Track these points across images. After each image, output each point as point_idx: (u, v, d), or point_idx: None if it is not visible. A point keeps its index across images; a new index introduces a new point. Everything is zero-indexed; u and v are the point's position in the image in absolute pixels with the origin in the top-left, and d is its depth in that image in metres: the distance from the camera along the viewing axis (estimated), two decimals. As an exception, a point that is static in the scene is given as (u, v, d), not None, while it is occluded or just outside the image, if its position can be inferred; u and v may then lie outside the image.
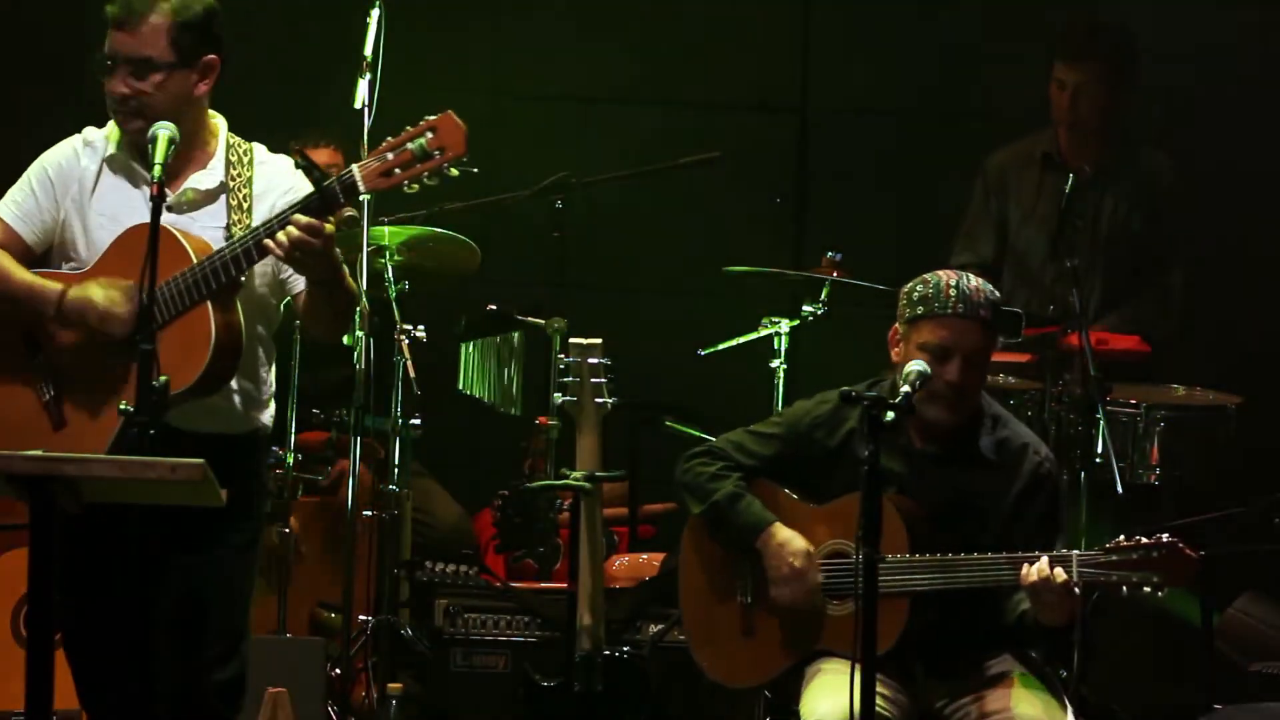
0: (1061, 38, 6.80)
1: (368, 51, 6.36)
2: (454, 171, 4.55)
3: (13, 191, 4.82)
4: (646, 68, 7.95)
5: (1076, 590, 4.73)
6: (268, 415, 4.87)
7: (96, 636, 4.69)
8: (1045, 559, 4.74)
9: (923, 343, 4.91)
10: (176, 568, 4.67)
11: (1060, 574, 4.71)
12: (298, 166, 4.71)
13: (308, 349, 6.51)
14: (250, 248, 4.56)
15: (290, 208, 4.55)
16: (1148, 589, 4.68)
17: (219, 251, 4.60)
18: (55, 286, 4.68)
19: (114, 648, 4.66)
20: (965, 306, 4.91)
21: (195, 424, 4.64)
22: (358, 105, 6.35)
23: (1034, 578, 4.73)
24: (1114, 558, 4.70)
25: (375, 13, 6.40)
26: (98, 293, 4.63)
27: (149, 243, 4.40)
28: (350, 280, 4.74)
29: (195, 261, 4.58)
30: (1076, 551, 4.75)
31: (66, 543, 4.33)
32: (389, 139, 4.57)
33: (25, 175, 4.83)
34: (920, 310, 4.94)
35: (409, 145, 4.53)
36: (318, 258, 4.55)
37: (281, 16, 7.60)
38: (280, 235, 4.50)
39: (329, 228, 4.55)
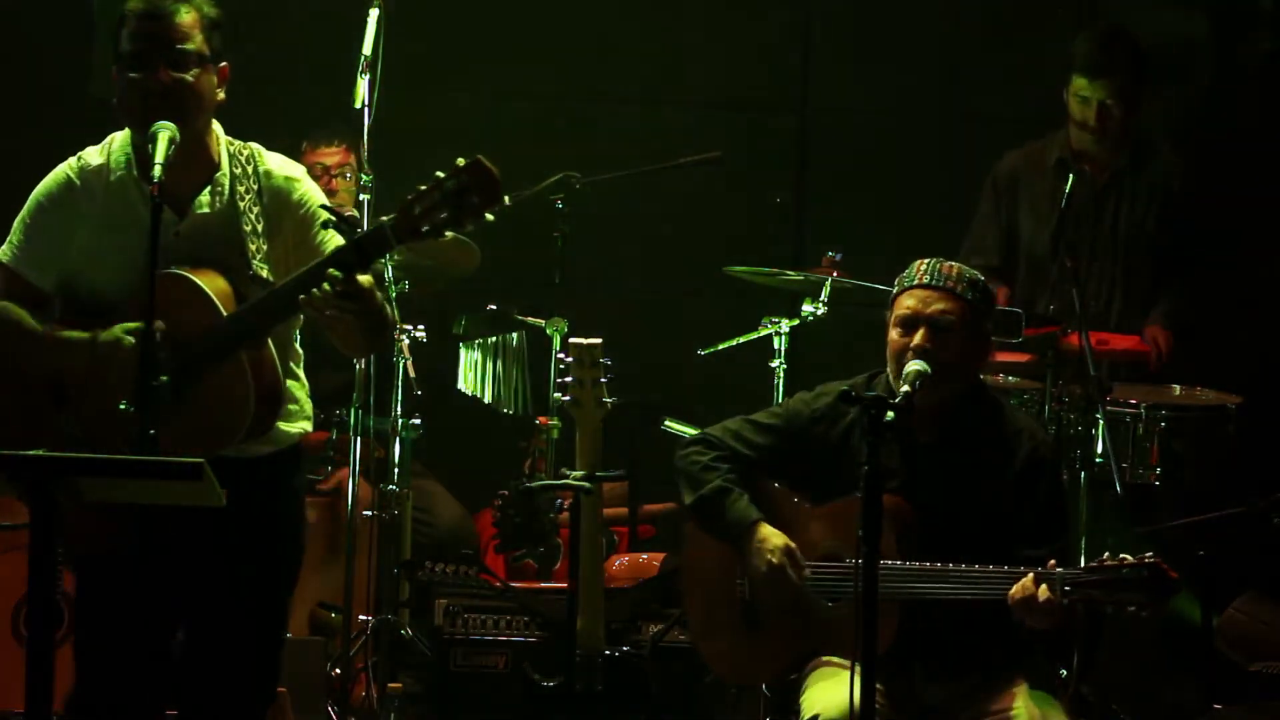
0: (1079, 53, 6.72)
1: (367, 51, 6.36)
2: (490, 217, 4.35)
3: (21, 239, 4.66)
4: (646, 68, 7.96)
5: (1064, 603, 4.70)
6: (305, 422, 4.78)
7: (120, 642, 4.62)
8: (1030, 576, 4.72)
9: (894, 318, 4.94)
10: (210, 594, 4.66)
11: (1044, 591, 4.68)
12: (327, 226, 4.52)
13: (307, 353, 6.49)
14: (284, 305, 4.43)
15: (321, 262, 4.39)
16: (1131, 609, 4.68)
17: (250, 306, 4.48)
18: (84, 335, 4.54)
19: (135, 657, 4.62)
20: (931, 278, 4.94)
21: (242, 450, 4.57)
22: (358, 105, 6.36)
23: (1019, 595, 4.72)
24: (1096, 577, 4.69)
25: (375, 13, 6.40)
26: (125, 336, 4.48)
27: (150, 242, 4.36)
28: (386, 303, 4.54)
29: (223, 312, 4.47)
30: (1061, 569, 4.72)
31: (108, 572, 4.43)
32: (419, 188, 4.34)
33: (27, 218, 4.66)
34: (894, 291, 5.00)
35: (438, 194, 4.32)
36: (355, 312, 4.40)
37: (281, 16, 7.60)
38: (315, 292, 4.33)
39: (365, 279, 4.39)
